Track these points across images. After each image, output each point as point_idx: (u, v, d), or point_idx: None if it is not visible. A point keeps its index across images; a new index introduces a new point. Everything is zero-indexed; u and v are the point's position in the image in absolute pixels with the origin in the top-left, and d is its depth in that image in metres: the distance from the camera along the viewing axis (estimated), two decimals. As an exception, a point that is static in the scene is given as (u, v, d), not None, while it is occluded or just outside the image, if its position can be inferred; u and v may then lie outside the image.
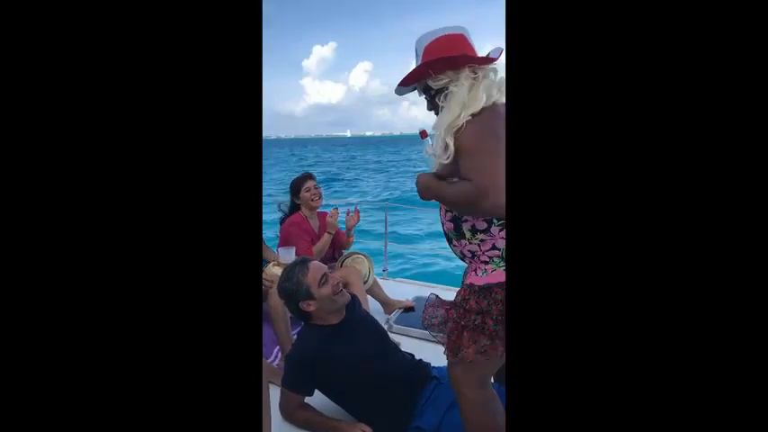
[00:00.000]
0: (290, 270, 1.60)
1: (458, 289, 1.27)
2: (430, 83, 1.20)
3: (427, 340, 2.27)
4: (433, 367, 1.71)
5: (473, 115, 1.11)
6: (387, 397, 1.56)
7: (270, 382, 1.81)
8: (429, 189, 1.20)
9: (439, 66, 1.17)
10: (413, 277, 4.17)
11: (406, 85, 1.26)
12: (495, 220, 1.15)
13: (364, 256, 2.71)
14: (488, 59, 1.17)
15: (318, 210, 2.67)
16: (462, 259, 1.25)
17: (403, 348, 1.95)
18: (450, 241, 1.26)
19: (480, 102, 1.12)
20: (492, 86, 1.15)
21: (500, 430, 1.24)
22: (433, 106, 1.23)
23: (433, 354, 1.77)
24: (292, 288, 1.56)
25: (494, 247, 1.17)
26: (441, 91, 1.19)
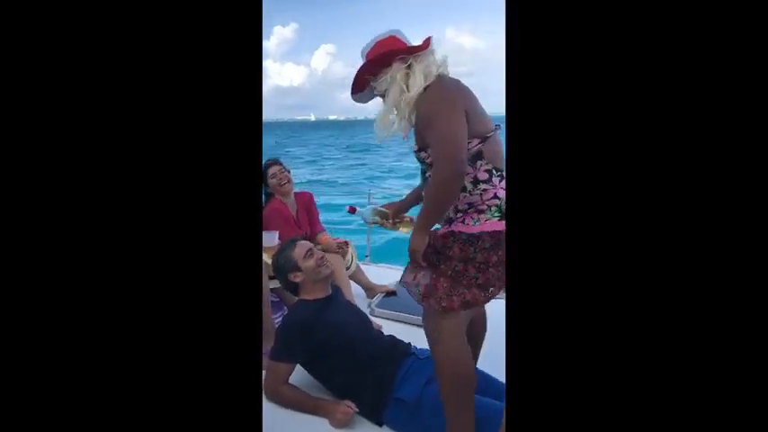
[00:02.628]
0: (282, 248, 1.86)
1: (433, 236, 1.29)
2: (374, 85, 1.31)
3: (409, 324, 2.32)
4: (413, 347, 1.75)
5: (423, 91, 1.22)
6: (367, 369, 1.61)
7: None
8: (420, 224, 1.26)
9: (370, 68, 1.29)
10: (396, 262, 4.20)
11: (354, 93, 1.38)
12: (494, 171, 1.22)
13: (346, 242, 2.72)
14: (416, 48, 1.27)
15: (294, 191, 2.68)
16: (450, 219, 1.28)
17: (384, 332, 1.98)
18: None
19: (419, 84, 1.23)
20: (430, 66, 1.25)
21: (471, 381, 1.32)
22: None
23: (414, 336, 1.80)
24: (282, 262, 1.80)
25: (495, 197, 1.22)
26: (386, 90, 1.30)
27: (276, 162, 2.63)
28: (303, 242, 1.85)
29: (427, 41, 1.28)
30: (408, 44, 1.30)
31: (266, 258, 2.19)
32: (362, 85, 1.35)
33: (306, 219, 2.70)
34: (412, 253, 1.27)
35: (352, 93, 1.38)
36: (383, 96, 1.32)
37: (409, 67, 1.25)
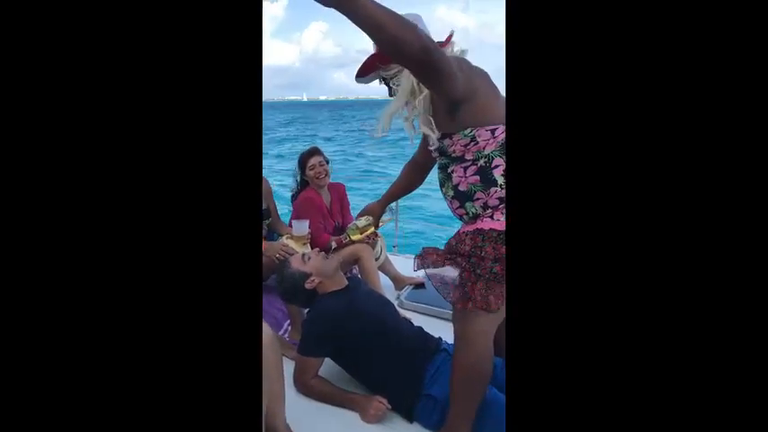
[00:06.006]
0: (278, 275, 1.79)
1: (452, 242, 1.27)
2: (382, 74, 1.26)
3: (437, 317, 2.30)
4: (443, 342, 1.73)
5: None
6: (397, 363, 1.59)
7: (282, 354, 1.84)
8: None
9: (383, 60, 1.23)
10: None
11: (361, 76, 1.31)
12: None
13: (375, 233, 2.70)
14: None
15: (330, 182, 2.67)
16: (477, 215, 1.23)
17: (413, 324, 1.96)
18: (468, 199, 1.23)
19: None
20: None
21: (486, 382, 1.29)
22: (391, 93, 1.30)
23: (443, 330, 1.78)
24: (290, 282, 1.73)
25: None
26: (394, 78, 1.25)
27: (317, 152, 2.60)
28: (294, 256, 1.84)
29: (449, 38, 1.22)
30: (426, 35, 1.21)
31: (295, 246, 2.18)
32: (369, 71, 1.29)
33: (338, 209, 2.70)
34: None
35: (358, 76, 1.32)
36: (387, 84, 1.28)
37: None
